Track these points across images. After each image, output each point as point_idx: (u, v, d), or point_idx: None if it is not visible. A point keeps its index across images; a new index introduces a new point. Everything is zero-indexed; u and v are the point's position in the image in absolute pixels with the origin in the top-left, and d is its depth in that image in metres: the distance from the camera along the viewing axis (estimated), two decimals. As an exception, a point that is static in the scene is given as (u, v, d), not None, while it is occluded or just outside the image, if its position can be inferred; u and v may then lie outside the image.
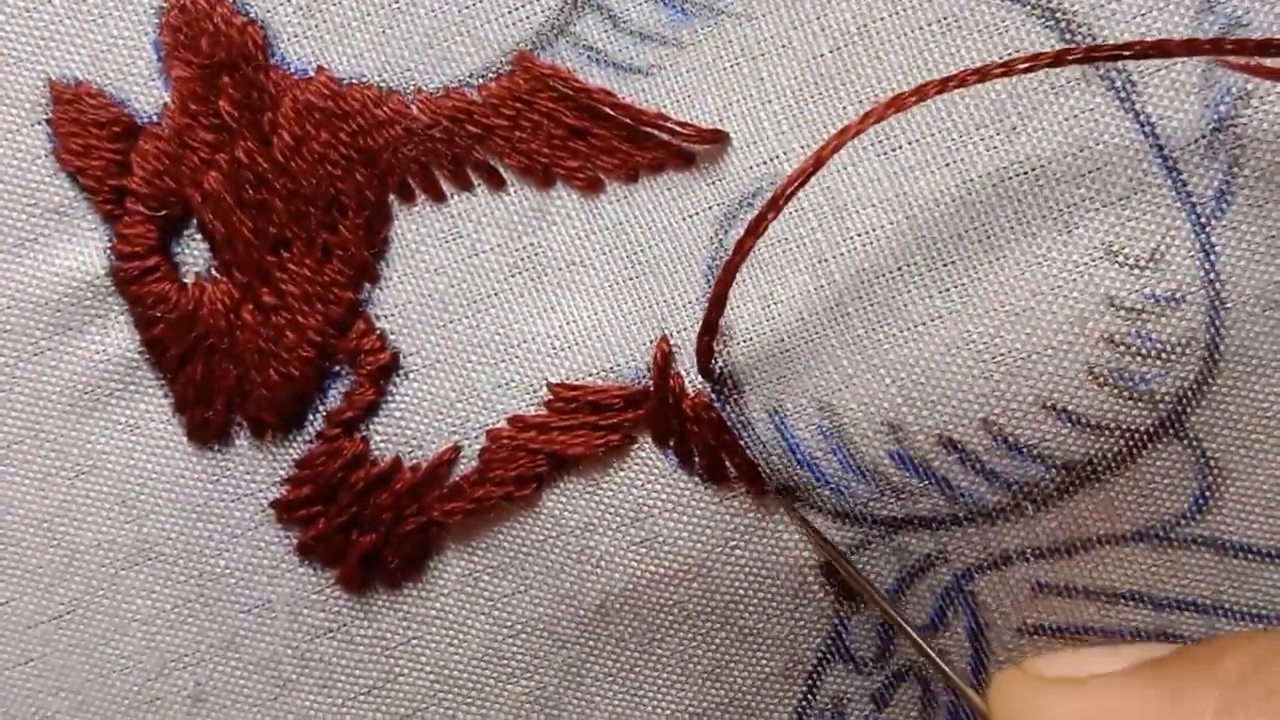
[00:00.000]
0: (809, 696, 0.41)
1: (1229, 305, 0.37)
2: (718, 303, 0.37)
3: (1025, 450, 0.38)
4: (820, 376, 0.38)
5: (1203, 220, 0.37)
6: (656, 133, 0.38)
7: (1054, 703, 0.35)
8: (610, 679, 0.41)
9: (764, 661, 0.41)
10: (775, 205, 0.35)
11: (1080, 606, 0.39)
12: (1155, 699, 0.33)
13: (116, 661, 0.42)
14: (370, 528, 0.41)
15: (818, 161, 0.35)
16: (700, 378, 0.39)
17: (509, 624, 0.41)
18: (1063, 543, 0.39)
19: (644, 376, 0.39)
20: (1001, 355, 0.38)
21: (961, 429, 0.38)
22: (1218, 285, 0.37)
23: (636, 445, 0.40)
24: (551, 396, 0.40)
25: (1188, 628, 0.40)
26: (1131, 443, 0.38)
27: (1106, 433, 0.38)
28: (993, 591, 0.39)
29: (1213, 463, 0.38)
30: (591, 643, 0.41)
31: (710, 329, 0.38)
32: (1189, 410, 0.37)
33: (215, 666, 0.42)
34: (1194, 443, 0.38)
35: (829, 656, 0.41)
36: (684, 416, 0.39)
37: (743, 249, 0.36)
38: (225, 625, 0.42)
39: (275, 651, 0.42)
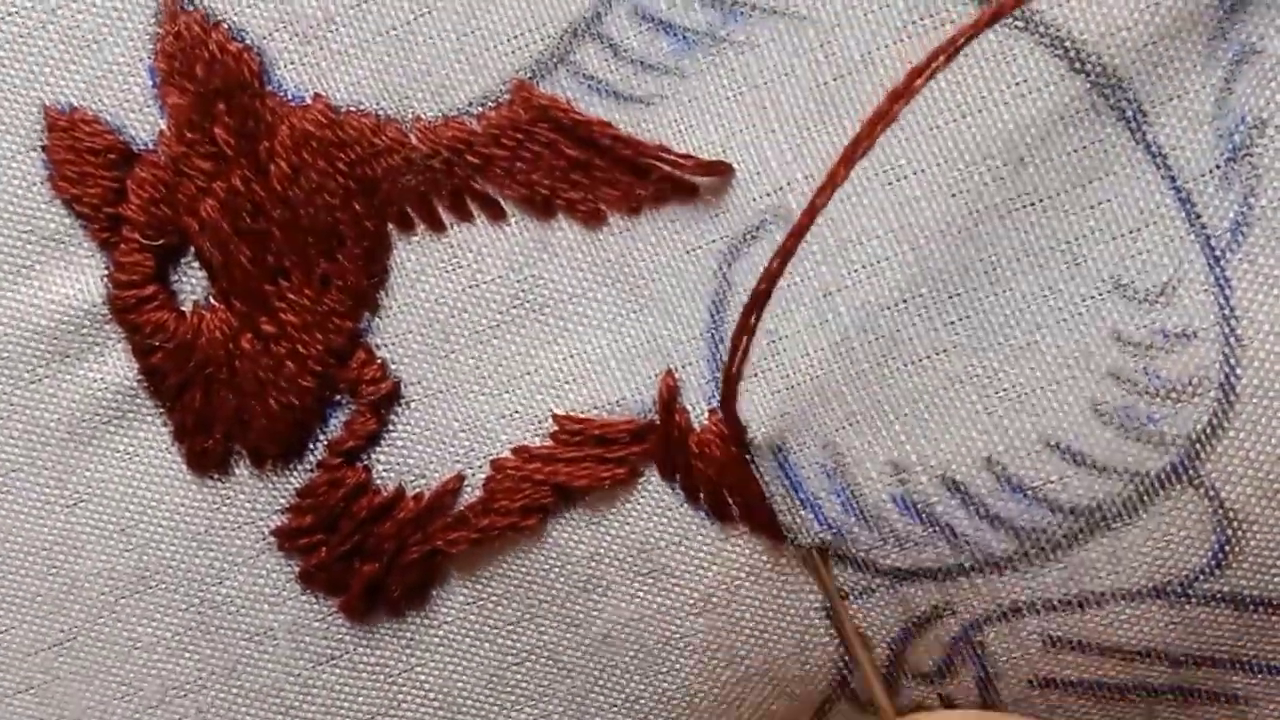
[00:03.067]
0: (813, 735, 0.41)
1: (1244, 342, 0.36)
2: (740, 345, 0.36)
3: (1029, 492, 0.37)
4: (824, 413, 0.38)
5: (1217, 253, 0.36)
6: (658, 165, 0.38)
7: None
8: (614, 709, 0.41)
9: (769, 702, 0.40)
10: (800, 234, 0.35)
11: (1095, 662, 0.39)
12: None
13: (117, 689, 0.42)
14: (373, 557, 0.41)
15: (832, 182, 0.35)
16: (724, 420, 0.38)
17: (513, 652, 0.41)
18: (1074, 596, 0.38)
19: (650, 410, 0.39)
20: (1004, 390, 0.37)
21: (964, 468, 0.37)
22: (1232, 321, 0.36)
23: (642, 479, 0.39)
24: (557, 428, 0.39)
25: (1206, 683, 0.39)
26: (1141, 488, 0.37)
27: (1114, 475, 0.37)
28: (1002, 643, 0.39)
29: (1231, 513, 0.37)
30: (596, 672, 0.41)
31: (732, 383, 0.37)
32: (1203, 454, 0.36)
33: (217, 694, 0.42)
34: (1210, 490, 0.37)
35: (835, 699, 0.40)
36: (690, 452, 0.39)
37: (771, 274, 0.35)
38: (227, 653, 0.42)
39: (277, 679, 0.42)
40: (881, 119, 0.35)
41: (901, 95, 0.35)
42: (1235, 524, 0.37)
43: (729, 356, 0.37)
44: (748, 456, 0.38)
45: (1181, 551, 0.37)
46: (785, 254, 0.35)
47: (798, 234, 0.35)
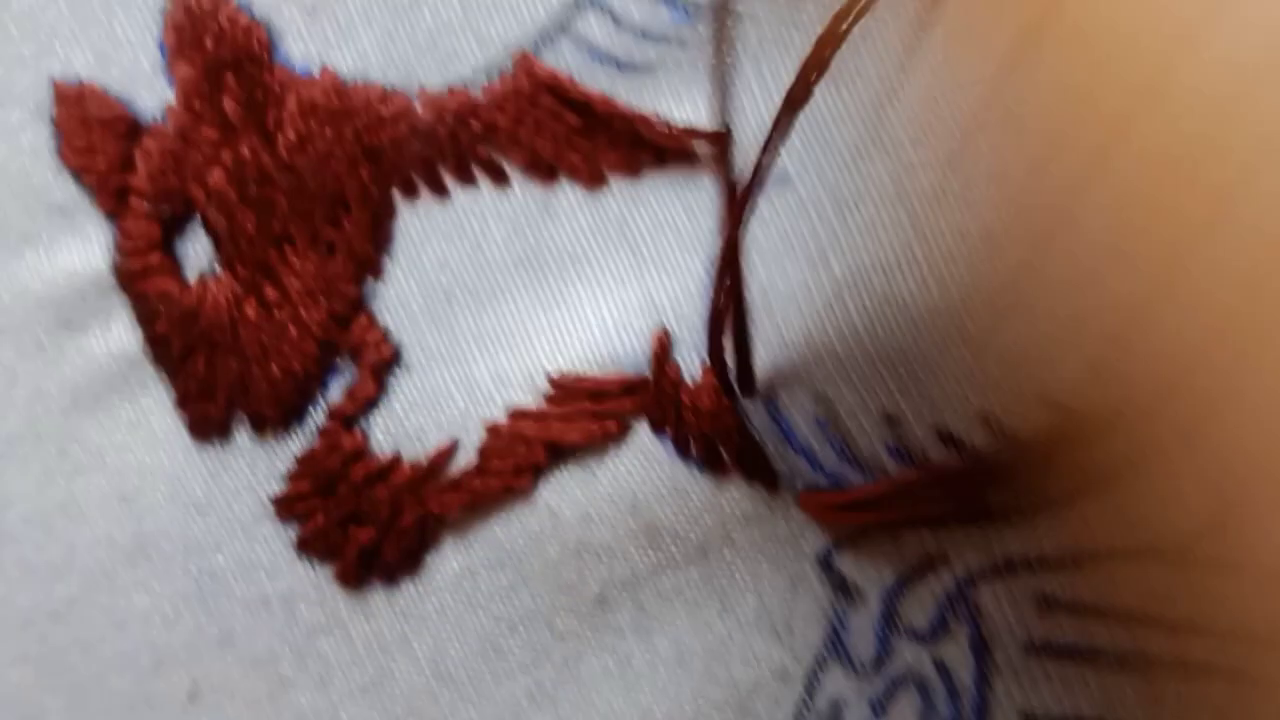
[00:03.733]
0: (807, 699, 0.41)
1: None
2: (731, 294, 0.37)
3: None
4: (816, 367, 0.39)
5: None
6: (657, 137, 0.39)
7: None
8: (608, 674, 0.41)
9: (762, 658, 0.41)
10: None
11: (1090, 626, 0.39)
12: None
13: (113, 659, 0.42)
14: (368, 522, 0.41)
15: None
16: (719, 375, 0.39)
17: (507, 619, 0.41)
18: (1070, 553, 0.39)
19: (644, 367, 0.40)
20: (1000, 350, 0.38)
21: (958, 423, 0.38)
22: None
23: (633, 433, 0.40)
24: (550, 387, 0.40)
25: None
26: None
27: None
28: (996, 602, 0.39)
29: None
30: (590, 636, 0.41)
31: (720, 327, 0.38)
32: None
33: (212, 664, 0.42)
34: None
35: (827, 657, 0.41)
36: (681, 404, 0.39)
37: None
38: (222, 622, 0.42)
39: (272, 649, 0.42)
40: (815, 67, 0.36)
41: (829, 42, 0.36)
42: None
43: (711, 309, 0.37)
44: (739, 405, 0.39)
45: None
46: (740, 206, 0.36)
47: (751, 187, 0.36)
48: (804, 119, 0.39)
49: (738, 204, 0.36)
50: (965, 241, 0.38)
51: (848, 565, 0.40)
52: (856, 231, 0.39)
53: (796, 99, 0.35)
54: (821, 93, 0.39)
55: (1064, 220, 0.38)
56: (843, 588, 0.40)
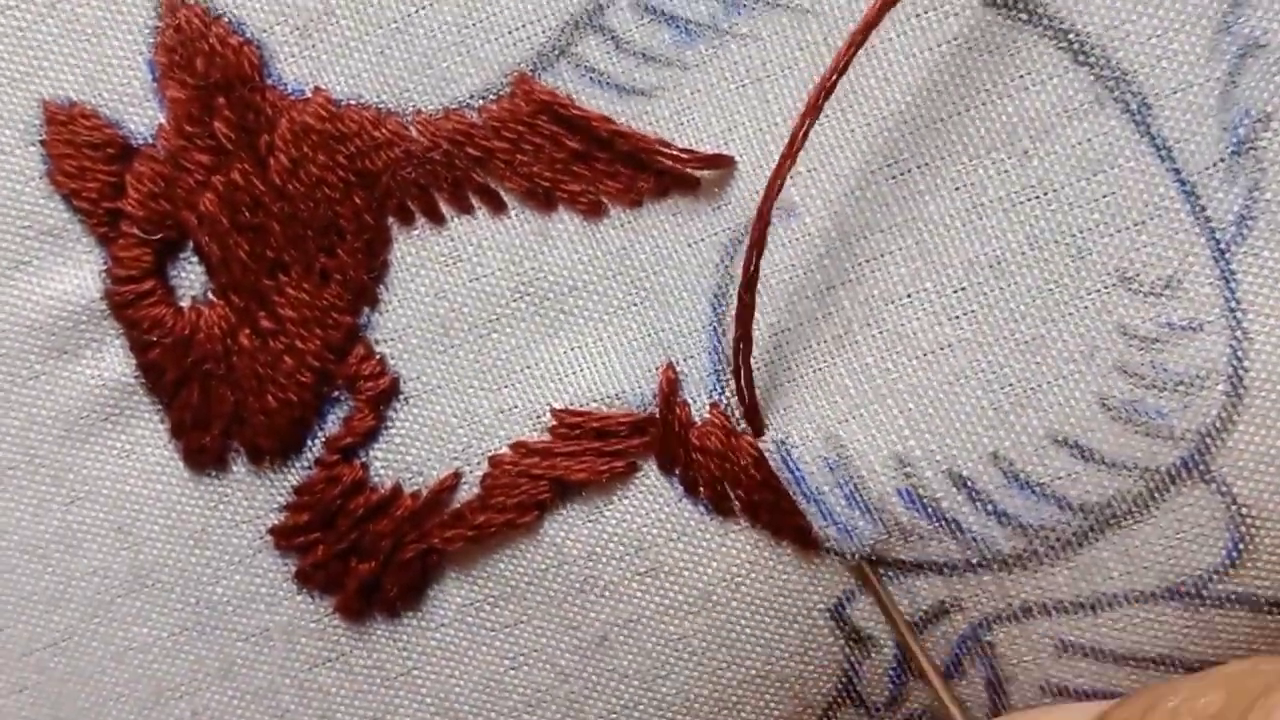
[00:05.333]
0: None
1: (1251, 336, 0.36)
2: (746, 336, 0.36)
3: (1037, 489, 0.37)
4: (827, 406, 0.38)
5: (1222, 246, 0.36)
6: (659, 160, 0.38)
7: None
8: (613, 715, 0.40)
9: (772, 704, 0.40)
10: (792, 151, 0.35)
11: (1108, 670, 0.38)
12: None
13: (112, 690, 0.42)
14: (369, 555, 0.40)
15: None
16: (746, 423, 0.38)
17: (510, 655, 0.40)
18: (1086, 597, 0.38)
19: (649, 403, 0.39)
20: (1010, 385, 0.37)
21: (970, 463, 0.37)
22: (1239, 314, 0.36)
23: (641, 473, 0.39)
24: (555, 422, 0.39)
25: None
26: (1151, 484, 0.37)
27: (1123, 471, 0.36)
28: (1012, 645, 0.38)
29: (1244, 509, 0.36)
30: (594, 677, 0.40)
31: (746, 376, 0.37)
32: (1214, 449, 0.36)
33: (212, 696, 0.42)
34: (1222, 486, 0.36)
35: (840, 701, 0.40)
36: (689, 445, 0.38)
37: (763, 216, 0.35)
38: (222, 654, 0.41)
39: (273, 681, 0.41)
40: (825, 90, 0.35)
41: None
42: (1249, 521, 0.36)
43: (734, 362, 0.37)
44: (769, 459, 0.38)
45: (1195, 550, 0.37)
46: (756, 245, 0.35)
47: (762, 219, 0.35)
48: (809, 144, 0.38)
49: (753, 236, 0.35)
50: (975, 270, 0.37)
51: (861, 615, 0.39)
52: (865, 262, 0.37)
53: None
54: (827, 119, 0.38)
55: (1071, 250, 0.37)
56: (856, 638, 0.39)
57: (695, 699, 0.40)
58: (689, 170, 0.38)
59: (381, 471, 0.40)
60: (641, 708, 0.40)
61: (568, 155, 0.38)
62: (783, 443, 0.38)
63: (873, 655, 0.39)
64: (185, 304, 0.40)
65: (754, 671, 0.40)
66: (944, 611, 0.38)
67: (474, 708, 0.41)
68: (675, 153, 0.38)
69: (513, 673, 0.40)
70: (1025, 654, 0.38)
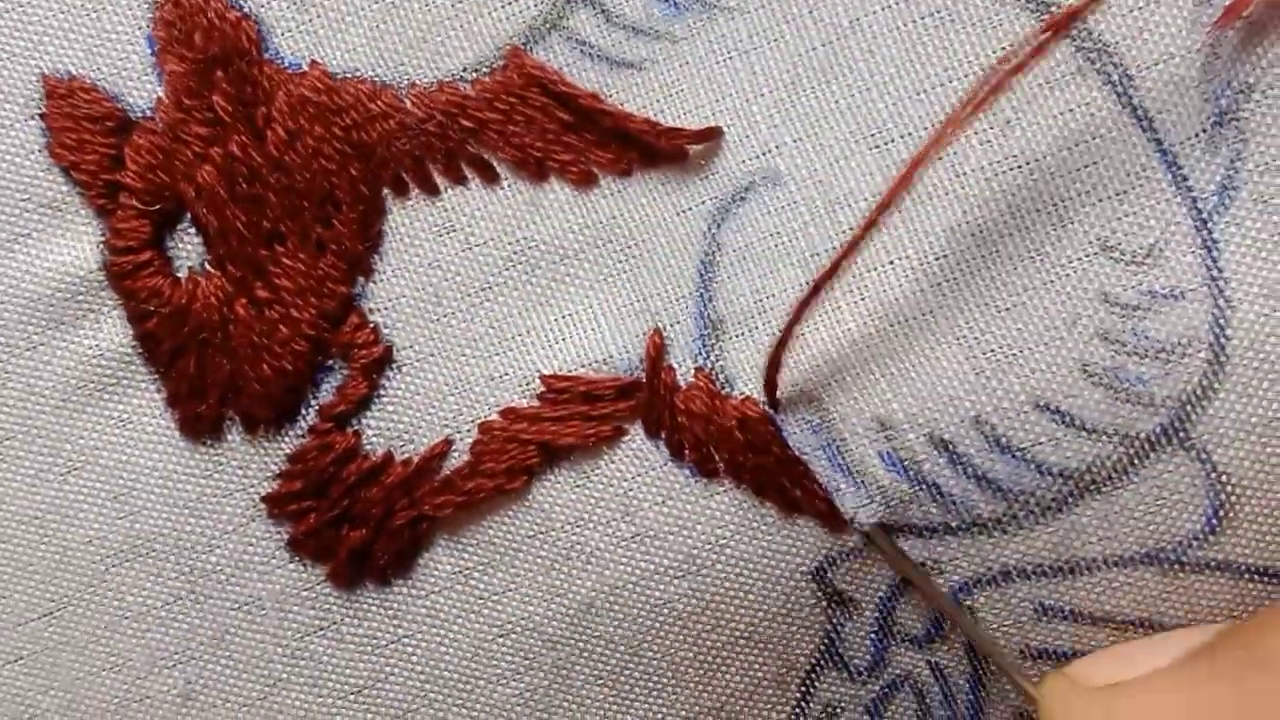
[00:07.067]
0: (802, 704, 0.41)
1: (1234, 303, 0.36)
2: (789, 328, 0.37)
3: (1018, 453, 0.37)
4: (809, 370, 0.38)
5: (1204, 215, 0.36)
6: (645, 137, 0.38)
7: (1115, 712, 0.34)
8: (600, 681, 0.41)
9: (756, 667, 0.40)
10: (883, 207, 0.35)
11: (1087, 632, 0.38)
12: (1216, 690, 0.32)
13: (107, 659, 0.42)
14: (361, 523, 0.40)
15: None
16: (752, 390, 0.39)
17: (499, 623, 0.41)
18: (1065, 561, 0.38)
19: (637, 368, 0.39)
20: (992, 350, 0.37)
21: (952, 427, 0.37)
22: (1221, 282, 0.36)
23: (627, 437, 0.39)
24: (544, 388, 0.40)
25: None
26: (1131, 450, 0.37)
27: (1103, 437, 0.37)
28: (992, 609, 0.39)
29: (1224, 477, 0.37)
30: (580, 643, 0.40)
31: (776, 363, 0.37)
32: (1194, 416, 0.36)
33: (205, 664, 0.42)
34: (1202, 454, 0.36)
35: (822, 664, 0.40)
36: (675, 408, 0.39)
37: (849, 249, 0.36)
38: (215, 622, 0.42)
39: (265, 649, 0.42)
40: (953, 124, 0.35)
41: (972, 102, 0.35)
42: (1228, 488, 0.37)
43: (779, 338, 0.37)
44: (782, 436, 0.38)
45: (1174, 516, 0.37)
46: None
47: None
48: (795, 115, 0.38)
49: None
50: (958, 238, 0.37)
51: (842, 577, 0.39)
52: (848, 230, 0.38)
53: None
54: (812, 88, 0.38)
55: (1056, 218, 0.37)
56: (838, 600, 0.39)
57: (680, 663, 0.40)
58: (677, 145, 0.38)
59: (374, 439, 0.40)
60: (627, 673, 0.40)
61: (559, 126, 0.39)
62: (771, 406, 0.38)
63: (854, 618, 0.40)
64: (183, 275, 0.41)
65: (737, 634, 0.40)
66: (924, 575, 0.39)
67: (463, 675, 0.41)
68: (663, 131, 0.38)
69: (501, 640, 0.41)
70: (1005, 618, 0.39)
